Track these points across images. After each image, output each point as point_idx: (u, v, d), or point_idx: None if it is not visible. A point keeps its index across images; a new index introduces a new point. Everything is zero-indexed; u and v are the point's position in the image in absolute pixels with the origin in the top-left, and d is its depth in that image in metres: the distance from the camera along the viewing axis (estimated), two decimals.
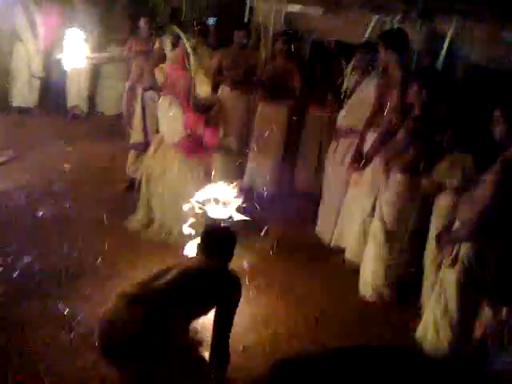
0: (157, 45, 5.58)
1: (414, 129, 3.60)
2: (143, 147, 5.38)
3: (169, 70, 4.77)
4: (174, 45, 5.06)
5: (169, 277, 2.63)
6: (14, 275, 3.81)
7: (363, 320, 3.85)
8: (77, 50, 5.68)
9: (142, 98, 5.50)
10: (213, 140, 4.67)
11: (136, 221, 4.75)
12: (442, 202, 3.73)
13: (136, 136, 5.55)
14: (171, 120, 4.43)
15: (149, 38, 6.31)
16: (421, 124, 3.60)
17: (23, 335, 3.21)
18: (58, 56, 5.93)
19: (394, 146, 3.76)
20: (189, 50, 4.39)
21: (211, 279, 2.75)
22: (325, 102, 5.75)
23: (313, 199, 5.74)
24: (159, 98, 4.71)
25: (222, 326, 2.76)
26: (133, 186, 5.20)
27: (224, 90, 5.84)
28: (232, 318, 2.79)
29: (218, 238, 2.95)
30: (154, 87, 5.29)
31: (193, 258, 2.99)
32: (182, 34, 4.52)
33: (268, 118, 5.70)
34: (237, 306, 2.81)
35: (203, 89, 5.02)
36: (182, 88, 4.49)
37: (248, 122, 5.88)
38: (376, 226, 3.94)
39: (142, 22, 6.50)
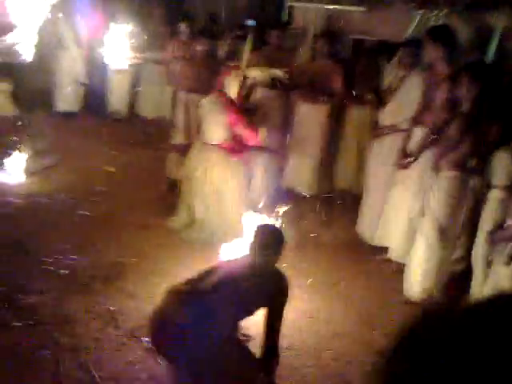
0: (198, 48, 5.63)
1: (466, 125, 3.50)
2: (185, 148, 5.42)
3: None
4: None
5: (217, 277, 2.62)
6: (61, 273, 3.88)
7: (410, 319, 3.74)
8: (119, 50, 5.80)
9: (185, 101, 5.56)
10: (254, 140, 4.66)
11: (178, 221, 4.77)
12: (493, 200, 3.63)
13: (178, 137, 5.60)
14: (214, 120, 4.45)
15: (189, 42, 6.38)
16: (472, 120, 3.49)
17: (73, 330, 3.26)
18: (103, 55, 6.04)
19: (445, 143, 3.66)
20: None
21: (261, 279, 2.70)
22: (365, 101, 5.71)
23: (353, 198, 5.72)
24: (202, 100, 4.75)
25: (273, 325, 2.73)
26: (174, 187, 5.27)
27: (262, 90, 5.83)
28: (282, 318, 2.76)
29: (270, 236, 2.88)
30: (197, 90, 5.35)
31: (241, 257, 2.95)
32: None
33: (307, 118, 5.67)
34: (285, 305, 2.79)
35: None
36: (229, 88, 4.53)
37: (287, 122, 5.85)
38: (427, 225, 3.83)
39: (183, 26, 6.58)
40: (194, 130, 5.40)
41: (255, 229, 2.93)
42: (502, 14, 4.16)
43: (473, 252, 3.76)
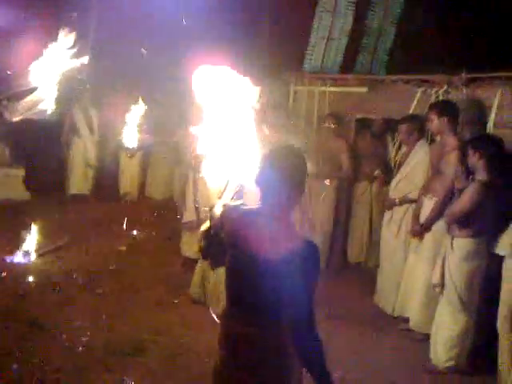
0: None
1: (481, 192, 3.61)
2: (196, 225, 5.51)
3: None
4: None
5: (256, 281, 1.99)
6: (78, 350, 3.82)
7: None
8: (131, 134, 6.06)
9: (193, 179, 5.72)
10: None
11: (194, 295, 4.75)
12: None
13: (189, 215, 5.69)
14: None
15: None
16: (487, 187, 3.61)
17: None
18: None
19: (459, 212, 3.74)
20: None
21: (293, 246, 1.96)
22: (372, 176, 5.89)
23: (366, 272, 5.73)
24: None
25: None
26: (187, 264, 5.31)
27: None
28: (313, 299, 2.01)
29: (288, 159, 2.06)
30: None
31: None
32: None
33: (317, 195, 5.81)
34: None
35: None
36: None
37: None
38: (448, 292, 3.83)
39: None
40: (203, 207, 5.50)
41: (264, 156, 2.12)
42: (498, 88, 4.39)
43: (498, 323, 3.71)
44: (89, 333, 4.06)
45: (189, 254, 5.49)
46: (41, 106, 2.62)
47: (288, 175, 2.02)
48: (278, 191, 2.03)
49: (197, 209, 5.69)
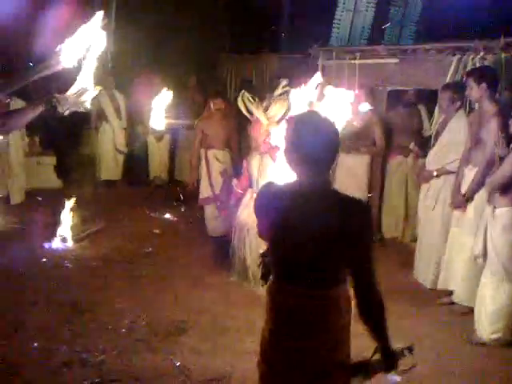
0: (212, 106, 5.78)
1: None
2: (212, 202, 5.57)
3: (254, 133, 4.92)
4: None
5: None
6: (121, 332, 3.86)
7: (484, 362, 3.59)
8: (159, 118, 6.03)
9: (205, 157, 5.72)
10: None
11: (234, 274, 4.76)
12: None
13: (205, 192, 5.72)
14: (267, 173, 4.51)
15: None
16: None
17: None
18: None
19: (501, 180, 3.63)
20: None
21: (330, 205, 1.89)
22: (406, 149, 5.77)
23: (402, 247, 5.66)
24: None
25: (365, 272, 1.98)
26: (220, 243, 5.33)
27: None
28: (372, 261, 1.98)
29: (324, 122, 1.92)
30: (215, 146, 5.67)
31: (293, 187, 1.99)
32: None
33: (349, 169, 5.73)
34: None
35: None
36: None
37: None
38: (491, 264, 3.74)
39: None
40: (217, 183, 5.55)
41: (290, 123, 1.95)
42: None
43: None
44: (130, 314, 4.10)
45: (215, 235, 5.56)
46: (84, 98, 2.58)
47: (329, 140, 1.87)
48: (321, 158, 1.88)
49: (212, 186, 5.72)
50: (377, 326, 2.00)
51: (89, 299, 4.33)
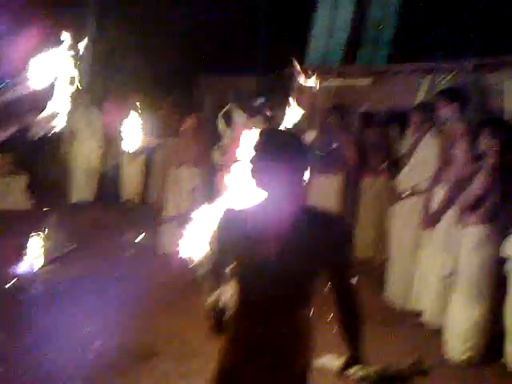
0: (188, 122, 5.74)
1: (492, 178, 3.54)
2: (175, 220, 5.52)
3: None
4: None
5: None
6: (90, 355, 3.75)
7: (456, 383, 3.57)
8: (133, 138, 5.99)
9: (175, 175, 5.68)
10: None
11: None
12: None
13: (170, 210, 5.67)
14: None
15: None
16: (497, 172, 3.54)
17: None
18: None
19: (470, 198, 3.67)
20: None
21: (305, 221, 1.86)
22: (379, 169, 5.81)
23: (374, 267, 5.66)
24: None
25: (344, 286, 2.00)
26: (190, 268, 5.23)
27: None
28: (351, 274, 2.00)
29: (282, 140, 1.88)
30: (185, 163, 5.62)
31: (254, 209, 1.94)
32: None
33: (322, 189, 5.72)
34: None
35: None
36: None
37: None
38: (461, 283, 3.75)
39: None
40: (183, 202, 5.49)
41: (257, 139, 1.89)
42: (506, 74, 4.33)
43: (504, 309, 3.62)
44: (100, 338, 3.99)
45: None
46: (55, 122, 2.54)
47: (287, 156, 1.81)
48: (278, 175, 1.81)
49: (179, 204, 5.65)
50: (354, 334, 2.04)
51: (56, 323, 4.20)
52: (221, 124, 5.96)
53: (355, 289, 2.02)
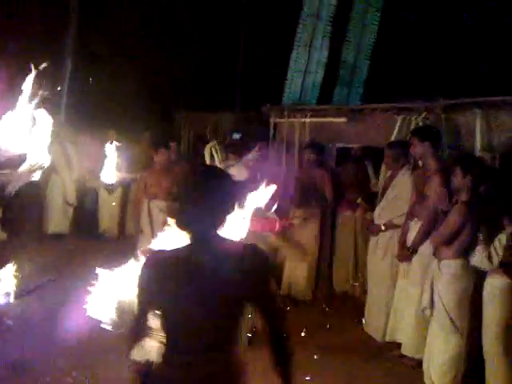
0: (159, 155, 5.71)
1: (465, 213, 3.66)
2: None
3: None
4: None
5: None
6: None
7: None
8: (110, 171, 6.00)
9: (148, 208, 5.64)
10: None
11: None
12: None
13: (146, 243, 5.60)
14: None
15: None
16: (471, 207, 3.66)
17: None
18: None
19: (445, 233, 3.78)
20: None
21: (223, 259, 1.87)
22: (355, 203, 5.93)
23: (353, 300, 5.70)
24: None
25: (271, 314, 1.98)
26: None
27: None
28: (276, 301, 2.03)
29: (207, 177, 1.92)
30: (159, 196, 5.55)
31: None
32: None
33: (300, 224, 5.80)
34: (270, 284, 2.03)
35: None
36: None
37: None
38: (439, 316, 3.81)
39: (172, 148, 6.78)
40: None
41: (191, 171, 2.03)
42: (476, 113, 4.53)
43: (482, 340, 3.70)
44: (74, 374, 3.90)
45: None
46: (36, 173, 2.54)
47: (210, 198, 1.85)
48: (203, 217, 1.86)
49: (153, 236, 5.60)
50: (283, 363, 1.98)
51: (29, 358, 4.10)
52: (207, 158, 6.01)
53: (283, 314, 2.04)
